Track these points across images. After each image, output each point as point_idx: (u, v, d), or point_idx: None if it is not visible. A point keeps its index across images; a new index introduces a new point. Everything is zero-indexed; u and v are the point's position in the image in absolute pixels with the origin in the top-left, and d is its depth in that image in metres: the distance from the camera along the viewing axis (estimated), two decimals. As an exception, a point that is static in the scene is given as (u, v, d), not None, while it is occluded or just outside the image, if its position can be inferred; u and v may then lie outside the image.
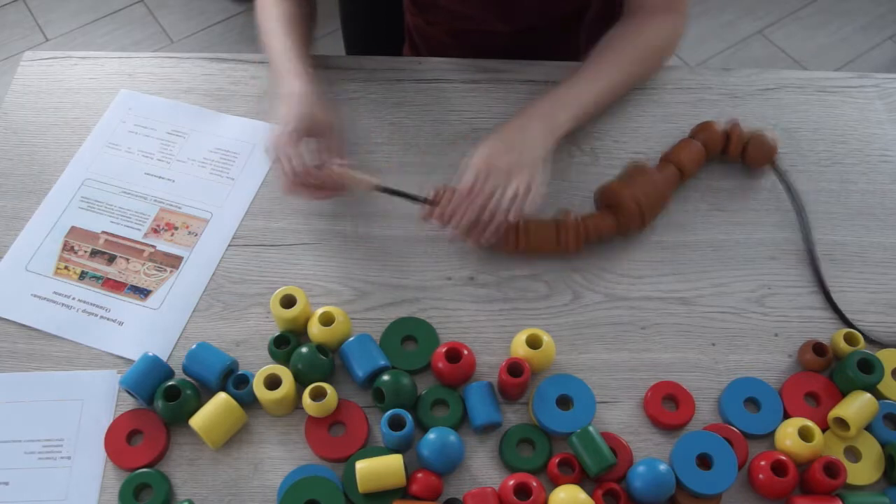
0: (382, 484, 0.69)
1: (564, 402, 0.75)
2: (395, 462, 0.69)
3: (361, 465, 0.68)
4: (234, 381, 0.75)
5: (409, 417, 0.71)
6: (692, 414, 0.75)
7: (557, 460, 0.70)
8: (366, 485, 0.68)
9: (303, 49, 0.89)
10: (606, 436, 0.73)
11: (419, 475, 0.69)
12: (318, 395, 0.73)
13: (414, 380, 0.75)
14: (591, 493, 0.69)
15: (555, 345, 0.77)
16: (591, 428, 0.71)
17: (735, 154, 0.90)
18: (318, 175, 0.80)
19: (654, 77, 0.98)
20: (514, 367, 0.74)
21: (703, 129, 0.90)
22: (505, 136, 0.82)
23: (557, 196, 0.89)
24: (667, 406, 0.76)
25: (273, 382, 0.73)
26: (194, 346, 0.75)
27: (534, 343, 0.76)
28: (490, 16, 1.00)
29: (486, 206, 0.78)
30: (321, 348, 0.75)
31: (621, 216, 0.83)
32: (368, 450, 0.72)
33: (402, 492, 0.70)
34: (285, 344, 0.77)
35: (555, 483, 0.70)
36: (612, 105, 0.94)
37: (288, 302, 0.77)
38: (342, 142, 0.84)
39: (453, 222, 0.79)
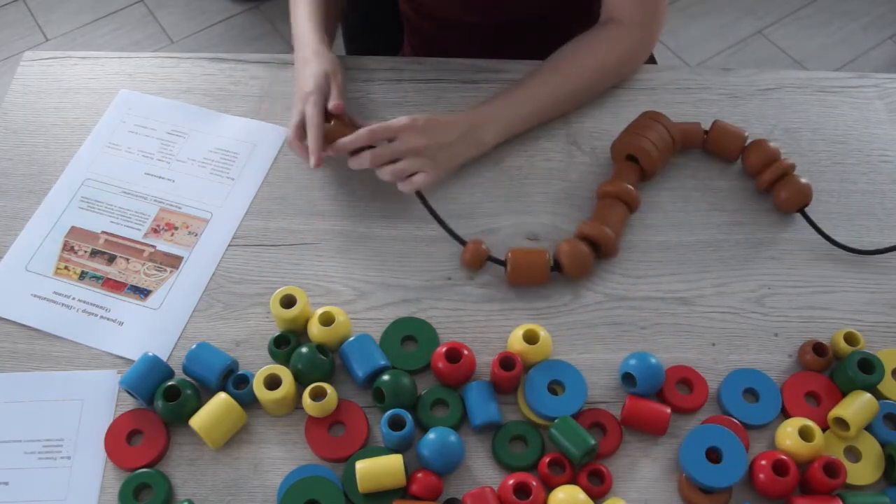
0: (382, 484, 0.69)
1: (556, 387, 0.75)
2: (395, 462, 0.69)
3: (361, 465, 0.69)
4: (234, 380, 0.75)
5: (409, 417, 0.71)
6: (706, 398, 0.76)
7: (547, 461, 0.71)
8: (366, 485, 0.68)
9: (321, 23, 0.94)
10: (595, 413, 0.74)
11: (419, 475, 0.69)
12: (318, 395, 0.73)
13: (414, 380, 0.75)
14: (575, 477, 0.70)
15: (552, 340, 0.77)
16: (567, 417, 0.72)
17: (766, 185, 0.88)
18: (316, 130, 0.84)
19: (611, 88, 0.98)
20: (506, 361, 0.74)
21: (755, 150, 0.89)
22: (435, 120, 0.86)
23: (558, 196, 0.89)
24: (681, 390, 0.76)
25: (273, 382, 0.73)
26: (194, 346, 0.75)
27: (530, 338, 0.76)
28: (473, 12, 1.01)
29: (377, 156, 0.83)
30: (321, 348, 0.75)
31: (645, 163, 0.87)
32: (368, 450, 0.72)
33: (403, 492, 0.70)
34: (285, 344, 0.77)
35: (548, 483, 0.70)
36: (561, 114, 0.95)
37: (288, 302, 0.77)
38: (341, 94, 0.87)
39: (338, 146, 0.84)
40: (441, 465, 0.70)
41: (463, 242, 0.83)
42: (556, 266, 0.82)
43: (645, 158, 0.87)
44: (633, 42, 0.94)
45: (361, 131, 0.83)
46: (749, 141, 0.90)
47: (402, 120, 0.84)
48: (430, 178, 0.85)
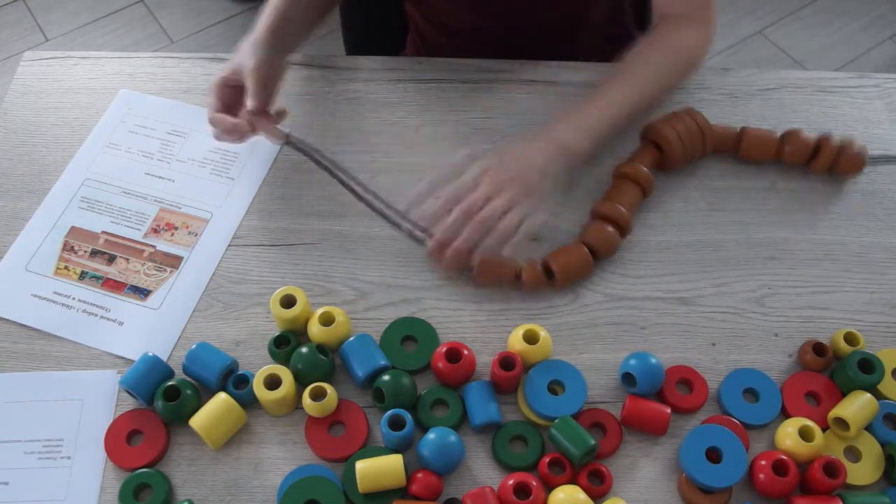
0: (382, 484, 0.69)
1: (556, 387, 0.75)
2: (395, 462, 0.69)
3: (361, 465, 0.68)
4: (234, 380, 0.75)
5: (409, 417, 0.71)
6: (706, 398, 0.76)
7: (547, 461, 0.71)
8: (366, 485, 0.68)
9: (279, 20, 0.88)
10: (595, 413, 0.74)
11: (419, 475, 0.69)
12: (318, 395, 0.73)
13: (414, 380, 0.75)
14: (575, 477, 0.70)
15: (552, 340, 0.77)
16: (567, 417, 0.72)
17: (824, 167, 0.89)
18: (229, 120, 0.84)
19: (682, 87, 0.97)
20: (506, 361, 0.74)
21: (790, 138, 0.89)
22: (506, 149, 0.81)
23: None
24: (681, 390, 0.76)
25: (273, 382, 0.73)
26: (194, 346, 0.75)
27: (530, 338, 0.76)
28: (478, 16, 1.00)
29: (483, 222, 0.76)
30: (321, 348, 0.75)
31: (669, 153, 0.87)
32: (368, 450, 0.72)
33: (403, 492, 0.70)
34: (285, 344, 0.77)
35: (548, 484, 0.70)
36: (642, 117, 0.91)
37: (288, 302, 0.77)
38: (266, 94, 0.84)
39: (454, 244, 0.77)
40: (441, 465, 0.70)
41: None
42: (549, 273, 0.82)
43: (667, 147, 0.87)
44: (693, 37, 0.92)
45: (415, 195, 0.79)
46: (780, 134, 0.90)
47: (464, 159, 0.78)
48: (545, 210, 0.78)
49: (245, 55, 0.85)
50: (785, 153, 0.90)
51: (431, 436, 0.70)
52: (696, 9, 0.92)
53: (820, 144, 0.89)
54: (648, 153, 0.88)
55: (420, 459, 0.70)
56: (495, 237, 0.76)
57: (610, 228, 0.83)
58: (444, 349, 0.75)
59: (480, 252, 0.77)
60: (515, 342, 0.76)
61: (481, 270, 0.80)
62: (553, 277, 0.81)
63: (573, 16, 1.02)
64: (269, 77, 0.84)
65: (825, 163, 0.89)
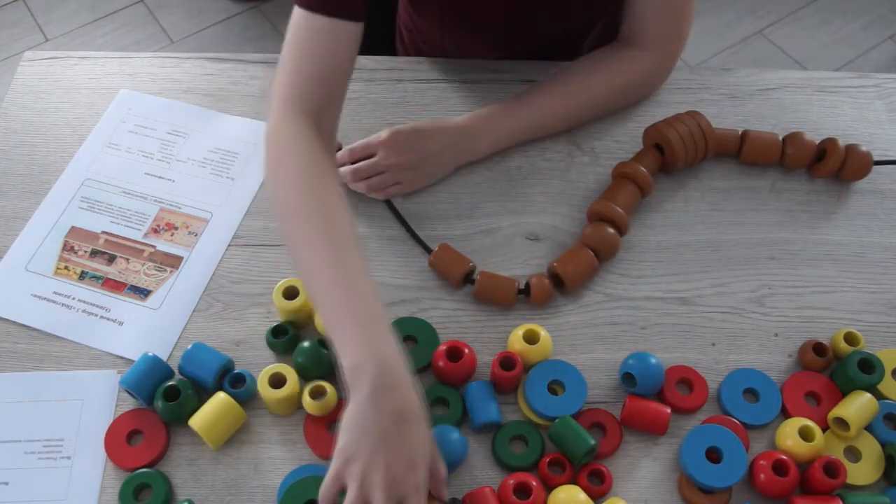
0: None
1: (556, 387, 0.75)
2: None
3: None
4: (231, 379, 0.75)
5: None
6: (706, 398, 0.76)
7: (547, 461, 0.71)
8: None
9: (363, 273, 0.68)
10: (595, 413, 0.74)
11: None
12: (318, 394, 0.73)
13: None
14: (575, 477, 0.70)
15: (552, 340, 0.77)
16: (566, 417, 0.72)
17: (831, 171, 0.89)
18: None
19: (623, 109, 0.95)
20: (506, 361, 0.74)
21: (793, 141, 0.89)
22: (419, 130, 0.85)
23: (559, 196, 0.89)
24: (681, 390, 0.76)
25: (278, 381, 0.73)
26: (189, 347, 0.75)
27: (530, 338, 0.76)
28: (482, 47, 1.00)
29: (356, 172, 0.84)
30: (323, 342, 0.75)
31: (670, 155, 0.87)
32: None
33: None
34: (283, 334, 0.77)
35: (548, 484, 0.70)
36: (560, 132, 0.93)
37: (290, 293, 0.77)
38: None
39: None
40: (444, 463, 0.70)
41: (429, 250, 0.83)
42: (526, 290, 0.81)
43: (668, 148, 0.87)
44: (647, 67, 0.92)
45: (341, 152, 0.84)
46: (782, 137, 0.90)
47: (381, 135, 0.84)
48: (409, 188, 0.86)
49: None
50: (787, 156, 0.90)
51: (433, 433, 0.70)
52: (660, 41, 0.90)
53: (826, 148, 0.89)
54: (650, 154, 0.88)
55: None
56: (364, 184, 0.84)
57: (610, 230, 0.83)
58: (445, 348, 0.75)
59: (348, 176, 0.84)
60: (515, 342, 0.76)
61: (480, 290, 0.80)
62: (562, 285, 0.81)
63: (572, 40, 1.01)
64: None
65: (833, 167, 0.89)
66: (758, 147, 0.90)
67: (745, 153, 0.90)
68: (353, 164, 0.85)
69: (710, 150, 0.89)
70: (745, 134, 0.90)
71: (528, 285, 0.81)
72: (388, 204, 0.86)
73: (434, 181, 0.88)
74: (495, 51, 1.00)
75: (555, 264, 0.81)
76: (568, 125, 0.93)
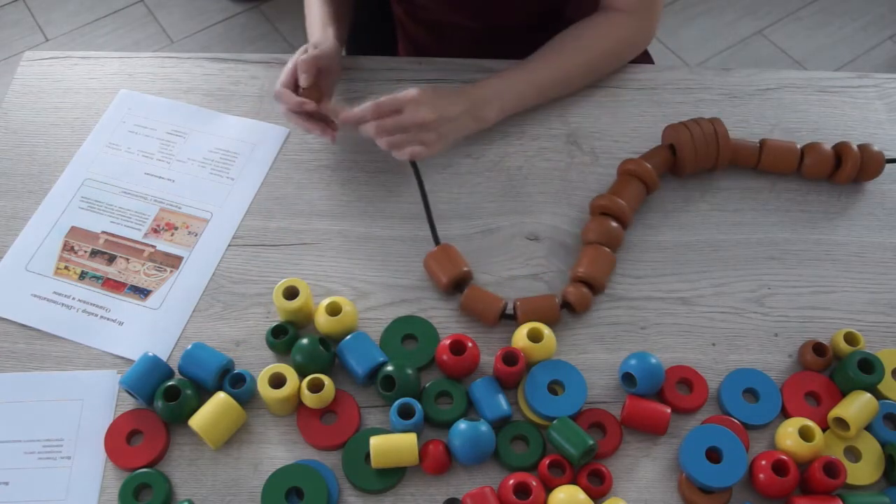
0: (395, 460, 0.70)
1: (556, 388, 0.75)
2: (409, 439, 0.70)
3: (375, 441, 0.69)
4: (231, 379, 0.75)
5: (418, 406, 0.71)
6: (706, 398, 0.76)
7: (547, 462, 0.71)
8: (379, 460, 0.69)
9: (336, 17, 0.95)
10: (595, 413, 0.74)
11: (430, 447, 0.70)
12: (316, 387, 0.73)
13: (418, 372, 0.75)
14: (575, 477, 0.70)
15: (555, 339, 0.77)
16: (565, 418, 0.72)
17: (850, 177, 0.89)
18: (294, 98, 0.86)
19: (612, 74, 0.99)
20: (509, 357, 0.74)
21: (810, 152, 0.89)
22: (440, 92, 0.86)
23: (558, 196, 0.89)
24: (681, 390, 0.76)
25: (278, 381, 0.73)
26: (189, 347, 0.75)
27: (535, 336, 0.76)
28: (459, 14, 1.02)
29: (382, 129, 0.83)
30: (322, 341, 0.75)
31: (680, 154, 0.88)
32: (363, 433, 0.73)
33: (402, 473, 0.71)
34: (283, 334, 0.77)
35: (548, 484, 0.70)
36: (558, 97, 0.95)
37: (290, 293, 0.77)
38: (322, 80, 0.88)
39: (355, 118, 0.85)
40: (472, 456, 0.70)
41: (437, 241, 0.83)
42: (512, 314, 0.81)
43: (678, 147, 0.87)
44: (631, 28, 0.95)
45: (367, 105, 0.84)
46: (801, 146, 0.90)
47: (408, 92, 0.84)
48: (432, 151, 0.85)
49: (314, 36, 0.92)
50: (805, 167, 0.89)
51: (462, 426, 0.70)
52: (638, 6, 0.94)
53: (841, 155, 0.88)
54: (662, 153, 0.88)
55: (452, 449, 0.71)
56: (387, 140, 0.84)
57: (613, 223, 0.83)
58: (449, 341, 0.75)
59: (372, 129, 0.84)
60: (519, 340, 0.76)
61: (467, 305, 0.80)
62: (593, 289, 0.81)
63: (551, 14, 1.03)
64: (331, 60, 0.90)
65: (851, 174, 0.88)
66: (776, 160, 0.89)
67: (762, 165, 0.90)
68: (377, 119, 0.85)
69: (724, 157, 0.88)
70: (762, 145, 0.89)
71: (566, 302, 0.80)
72: (413, 165, 0.85)
73: (448, 148, 0.88)
74: (473, 18, 1.03)
75: (581, 271, 0.80)
76: (568, 89, 0.96)
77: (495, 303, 0.79)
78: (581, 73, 0.95)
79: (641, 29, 0.96)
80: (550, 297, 0.80)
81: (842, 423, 0.73)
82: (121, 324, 0.80)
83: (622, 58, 0.98)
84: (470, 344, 0.75)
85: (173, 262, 0.84)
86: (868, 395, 0.73)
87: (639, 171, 0.85)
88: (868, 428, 0.74)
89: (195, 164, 0.92)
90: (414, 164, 0.86)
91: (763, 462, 0.70)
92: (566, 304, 0.80)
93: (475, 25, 1.04)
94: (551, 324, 0.78)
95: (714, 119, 0.88)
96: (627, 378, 0.75)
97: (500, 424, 0.74)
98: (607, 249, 0.82)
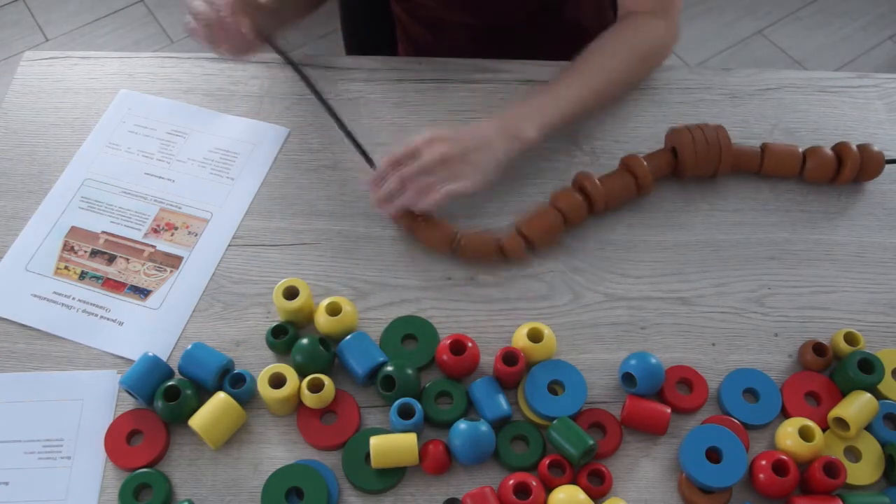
0: (395, 460, 0.70)
1: (556, 388, 0.75)
2: (409, 439, 0.70)
3: (375, 441, 0.69)
4: (231, 379, 0.75)
5: (418, 406, 0.71)
6: (706, 398, 0.76)
7: (547, 462, 0.71)
8: (379, 460, 0.69)
9: None
10: (595, 413, 0.74)
11: (430, 447, 0.70)
12: (316, 387, 0.73)
13: (418, 372, 0.75)
14: (575, 477, 0.70)
15: (555, 339, 0.77)
16: (565, 418, 0.72)
17: (849, 178, 0.89)
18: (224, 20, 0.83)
19: (644, 80, 0.98)
20: (509, 356, 0.74)
21: (812, 156, 0.89)
22: (460, 128, 0.84)
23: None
24: (681, 390, 0.76)
25: (278, 381, 0.73)
26: (189, 347, 0.75)
27: (535, 336, 0.76)
28: (457, 11, 1.02)
29: (406, 178, 0.80)
30: (322, 341, 0.75)
31: (681, 156, 0.87)
32: (360, 436, 0.72)
33: (402, 472, 0.71)
34: (283, 334, 0.77)
35: (548, 484, 0.70)
36: (601, 108, 0.94)
37: (290, 293, 0.77)
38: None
39: (381, 188, 0.82)
40: (473, 456, 0.70)
41: (372, 165, 0.85)
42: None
43: (679, 149, 0.87)
44: (660, 28, 0.94)
45: (382, 162, 0.82)
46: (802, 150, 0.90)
47: (420, 135, 0.81)
48: (468, 184, 0.80)
49: None
50: (807, 171, 0.89)
51: (462, 426, 0.70)
52: (659, 7, 0.93)
53: (841, 156, 0.88)
54: (664, 155, 0.88)
55: (452, 449, 0.71)
56: (415, 188, 0.80)
57: (578, 196, 0.84)
58: (449, 341, 0.75)
59: (400, 203, 0.81)
60: (519, 339, 0.76)
61: (464, 247, 0.82)
62: (532, 244, 0.83)
63: (551, 12, 1.03)
64: None
65: (850, 175, 0.88)
66: (777, 165, 0.89)
67: (764, 170, 0.89)
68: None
69: (725, 163, 0.88)
70: (764, 150, 0.89)
71: (501, 247, 0.82)
72: (317, 95, 0.87)
73: (491, 176, 0.83)
74: (472, 15, 1.02)
75: (520, 224, 0.83)
76: (610, 99, 0.94)
77: (447, 229, 0.82)
78: (621, 80, 0.93)
79: (668, 27, 0.95)
80: (492, 238, 0.83)
81: (842, 423, 0.73)
82: (121, 324, 0.80)
83: (654, 61, 0.97)
84: (470, 344, 0.75)
85: (173, 262, 0.84)
86: (868, 395, 0.73)
87: (632, 166, 0.85)
88: (868, 428, 0.74)
89: (195, 164, 0.92)
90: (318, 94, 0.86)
91: (763, 462, 0.70)
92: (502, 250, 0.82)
93: (474, 23, 1.04)
94: (489, 261, 0.83)
95: (717, 126, 0.88)
96: (627, 378, 0.75)
97: (500, 424, 0.74)
98: (558, 214, 0.83)
